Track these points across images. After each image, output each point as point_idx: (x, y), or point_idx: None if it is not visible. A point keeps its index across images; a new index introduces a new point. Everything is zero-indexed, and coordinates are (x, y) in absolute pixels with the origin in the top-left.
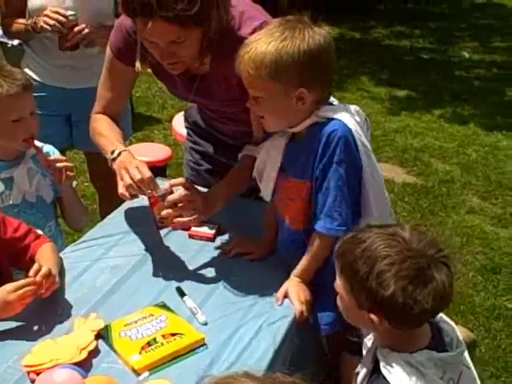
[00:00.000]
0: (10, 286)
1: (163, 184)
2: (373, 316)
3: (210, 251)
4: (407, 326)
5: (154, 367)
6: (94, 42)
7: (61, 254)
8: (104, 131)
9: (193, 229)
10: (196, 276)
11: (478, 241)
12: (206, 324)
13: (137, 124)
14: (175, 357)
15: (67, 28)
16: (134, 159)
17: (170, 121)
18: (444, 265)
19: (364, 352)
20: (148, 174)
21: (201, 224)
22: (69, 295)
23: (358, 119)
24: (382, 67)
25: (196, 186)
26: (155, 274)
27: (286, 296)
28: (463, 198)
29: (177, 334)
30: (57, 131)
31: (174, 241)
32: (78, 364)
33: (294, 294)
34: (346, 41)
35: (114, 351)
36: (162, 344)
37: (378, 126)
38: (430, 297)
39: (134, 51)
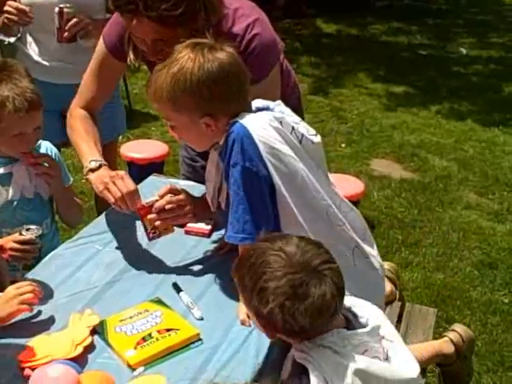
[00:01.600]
0: (13, 291)
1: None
2: (264, 330)
3: (205, 247)
4: (298, 339)
5: (149, 362)
6: (90, 34)
7: (57, 251)
8: (84, 133)
9: (189, 225)
10: (191, 272)
11: (474, 236)
12: (201, 319)
13: (134, 121)
14: (170, 352)
15: (65, 20)
16: (114, 171)
17: None
18: (327, 276)
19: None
20: (133, 186)
21: None
22: (64, 291)
23: (276, 125)
24: (380, 63)
25: (187, 190)
26: (150, 270)
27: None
28: (460, 194)
29: (172, 329)
30: (50, 127)
31: (170, 237)
32: (73, 359)
33: None
34: (344, 37)
35: (110, 347)
36: (157, 339)
37: (375, 122)
38: (308, 313)
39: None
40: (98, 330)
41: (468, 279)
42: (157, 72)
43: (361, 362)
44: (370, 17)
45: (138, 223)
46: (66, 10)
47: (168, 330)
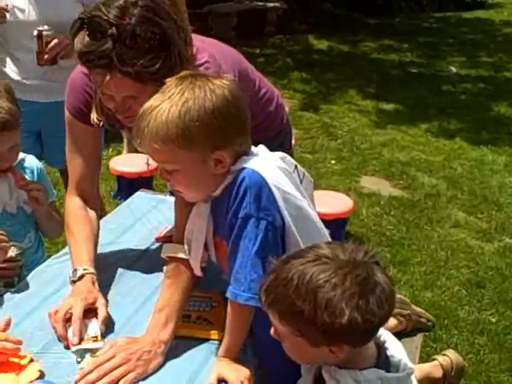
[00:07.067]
0: None
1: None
2: (334, 348)
3: None
4: (366, 341)
5: None
6: (70, 54)
7: (43, 266)
8: (76, 233)
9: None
10: None
11: (462, 255)
12: None
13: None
14: (189, 336)
15: (45, 43)
16: (87, 295)
17: None
18: (376, 264)
19: (302, 371)
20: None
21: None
22: (49, 307)
23: (282, 165)
24: (370, 81)
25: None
26: (136, 284)
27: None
28: (449, 212)
29: (208, 320)
30: (28, 149)
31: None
32: None
33: (233, 379)
34: (335, 54)
35: None
36: (189, 321)
37: (365, 140)
38: (383, 301)
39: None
40: None
41: (456, 298)
42: (151, 109)
43: None
44: (362, 34)
45: (126, 239)
46: (45, 32)
47: (205, 320)
